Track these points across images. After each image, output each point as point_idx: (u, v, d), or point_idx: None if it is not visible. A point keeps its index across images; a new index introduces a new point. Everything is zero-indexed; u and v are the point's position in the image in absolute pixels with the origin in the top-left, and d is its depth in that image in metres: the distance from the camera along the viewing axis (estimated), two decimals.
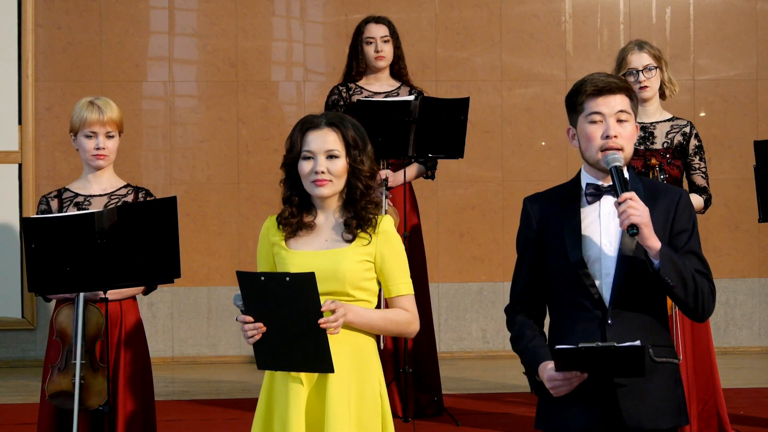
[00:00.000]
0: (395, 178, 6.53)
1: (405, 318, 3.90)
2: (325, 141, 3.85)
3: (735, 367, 8.06)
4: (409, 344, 6.44)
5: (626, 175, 3.63)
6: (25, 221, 4.64)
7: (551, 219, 3.72)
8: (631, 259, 3.61)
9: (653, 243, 3.54)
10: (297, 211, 3.89)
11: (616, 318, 3.60)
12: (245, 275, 3.68)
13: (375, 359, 3.88)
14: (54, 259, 4.57)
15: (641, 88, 5.75)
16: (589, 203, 3.70)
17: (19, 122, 8.36)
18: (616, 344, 3.44)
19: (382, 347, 6.46)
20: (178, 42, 8.54)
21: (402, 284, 3.89)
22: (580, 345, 3.46)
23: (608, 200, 3.68)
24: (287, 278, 3.65)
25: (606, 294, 3.63)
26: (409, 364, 6.42)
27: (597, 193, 3.69)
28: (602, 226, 3.67)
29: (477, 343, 8.64)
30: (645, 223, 3.52)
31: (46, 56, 8.42)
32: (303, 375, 3.77)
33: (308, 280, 3.63)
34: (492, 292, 8.63)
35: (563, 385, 3.58)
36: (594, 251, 3.65)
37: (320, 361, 3.68)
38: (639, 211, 3.51)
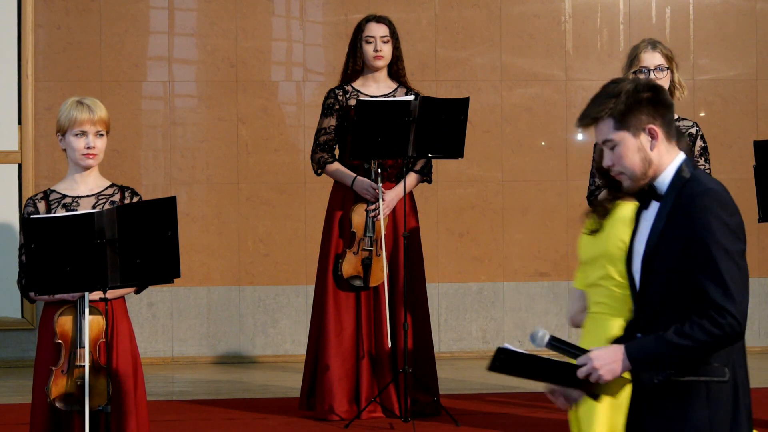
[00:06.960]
0: (391, 196, 6.49)
1: None
2: None
3: None
4: (409, 344, 6.43)
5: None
6: (25, 221, 4.64)
7: None
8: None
9: (623, 366, 3.42)
10: None
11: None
12: None
13: None
14: (54, 259, 4.56)
15: None
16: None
17: (19, 122, 8.36)
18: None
19: (389, 346, 6.45)
20: (178, 42, 8.54)
21: None
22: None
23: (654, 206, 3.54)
24: None
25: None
26: (408, 364, 6.41)
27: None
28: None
29: (477, 343, 8.64)
30: (610, 371, 3.40)
31: (45, 56, 8.42)
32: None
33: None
34: (492, 292, 8.62)
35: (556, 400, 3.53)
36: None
37: None
38: (604, 367, 3.40)
